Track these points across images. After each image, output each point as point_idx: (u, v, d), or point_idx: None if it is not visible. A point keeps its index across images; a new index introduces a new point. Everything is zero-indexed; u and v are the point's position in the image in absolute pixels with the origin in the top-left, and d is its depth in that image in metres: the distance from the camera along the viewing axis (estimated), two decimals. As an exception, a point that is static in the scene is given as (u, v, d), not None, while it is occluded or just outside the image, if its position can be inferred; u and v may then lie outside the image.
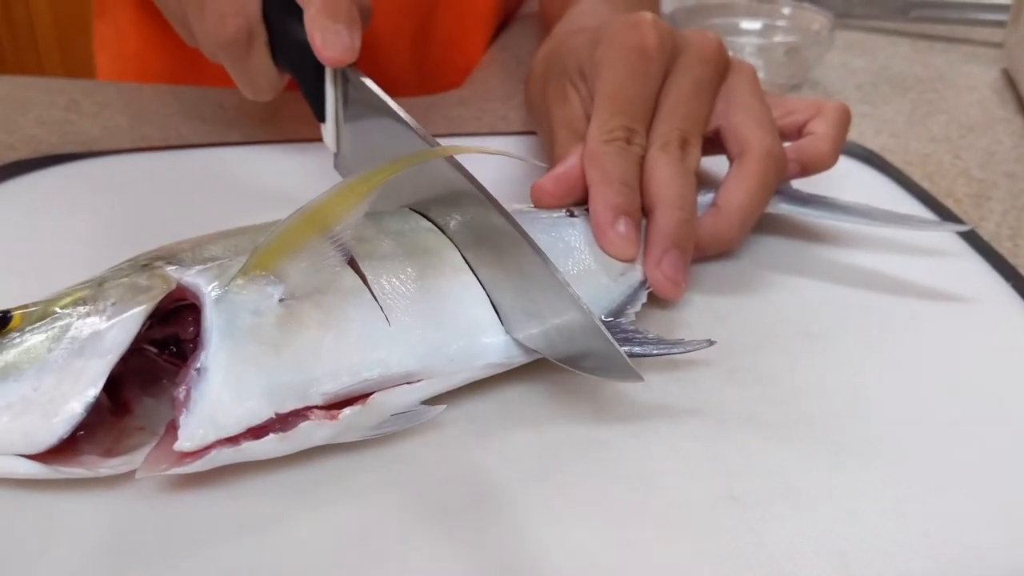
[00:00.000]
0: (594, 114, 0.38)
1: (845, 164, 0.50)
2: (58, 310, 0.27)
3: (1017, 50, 0.63)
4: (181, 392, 0.27)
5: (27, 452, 0.26)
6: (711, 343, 0.32)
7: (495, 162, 0.35)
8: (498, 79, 0.63)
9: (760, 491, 0.28)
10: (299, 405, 0.27)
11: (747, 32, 0.68)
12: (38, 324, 0.27)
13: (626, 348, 0.30)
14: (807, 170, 0.41)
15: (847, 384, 0.33)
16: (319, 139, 0.42)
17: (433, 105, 0.58)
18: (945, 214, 0.45)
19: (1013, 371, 0.34)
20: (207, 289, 0.28)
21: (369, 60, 0.69)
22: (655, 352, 0.31)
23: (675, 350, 0.32)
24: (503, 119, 0.57)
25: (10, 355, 0.27)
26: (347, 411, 0.28)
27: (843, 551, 0.26)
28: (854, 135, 0.56)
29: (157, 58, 0.69)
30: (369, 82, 0.38)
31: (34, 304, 0.28)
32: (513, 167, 0.45)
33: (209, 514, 0.27)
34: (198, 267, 0.29)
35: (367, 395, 0.28)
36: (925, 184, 0.49)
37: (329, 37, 0.38)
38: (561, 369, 0.31)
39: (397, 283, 0.30)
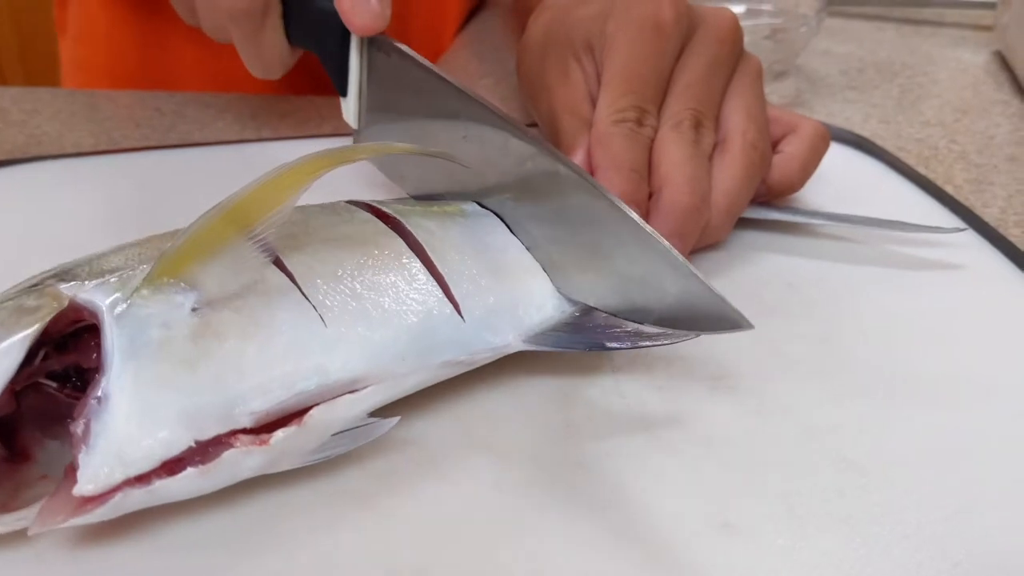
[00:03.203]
0: (603, 91, 0.36)
1: (836, 150, 0.46)
2: None
3: (1010, 31, 0.60)
4: (79, 426, 0.22)
5: None
6: (697, 334, 0.27)
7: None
8: (459, 75, 0.59)
9: (756, 517, 0.24)
10: (223, 429, 0.23)
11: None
12: None
13: (603, 341, 0.28)
14: (772, 191, 0.38)
15: (844, 392, 0.29)
16: (261, 139, 0.38)
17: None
18: (947, 200, 0.41)
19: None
20: (105, 304, 0.24)
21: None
22: (636, 345, 0.28)
23: (657, 342, 0.27)
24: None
25: None
26: (279, 433, 0.24)
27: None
28: (841, 121, 0.52)
29: (128, 41, 0.65)
30: (408, 49, 0.35)
31: None
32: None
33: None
34: (95, 281, 0.24)
35: (303, 411, 0.24)
36: (921, 169, 0.45)
37: (359, 4, 0.35)
38: (526, 380, 0.27)
39: (332, 279, 0.26)
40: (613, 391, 0.29)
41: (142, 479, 0.22)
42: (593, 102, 0.37)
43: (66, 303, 0.23)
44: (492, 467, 0.26)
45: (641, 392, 0.29)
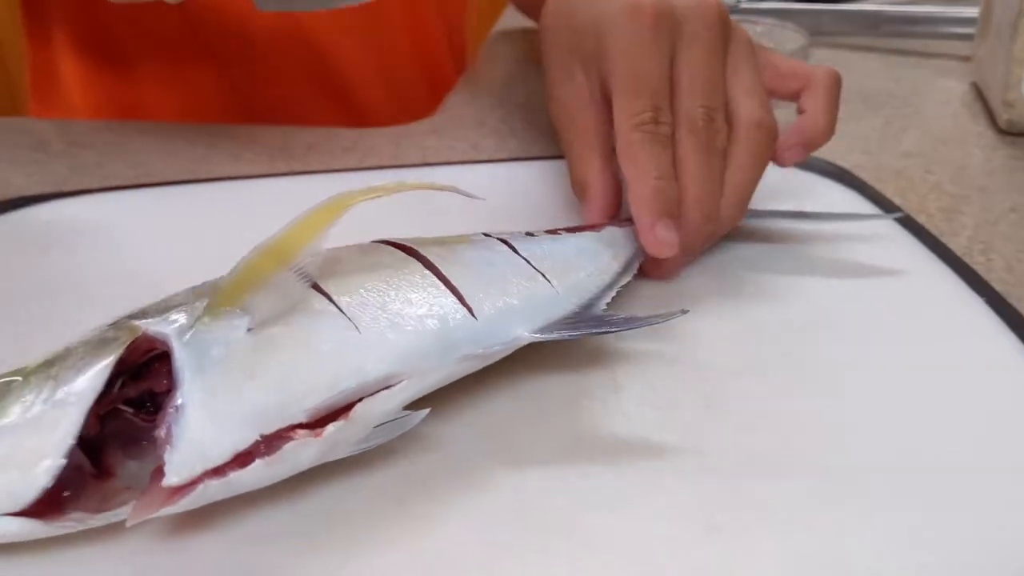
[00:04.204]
0: (616, 99, 0.39)
1: (816, 182, 0.50)
2: (22, 378, 0.27)
3: (985, 63, 0.64)
4: (162, 431, 0.26)
5: (12, 510, 0.25)
6: (684, 312, 0.33)
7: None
8: (470, 107, 0.63)
9: (743, 521, 0.28)
10: (283, 425, 0.27)
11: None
12: (6, 387, 0.27)
13: (601, 329, 0.33)
14: (809, 148, 0.43)
15: (827, 409, 0.33)
16: (289, 174, 0.42)
17: (406, 135, 0.58)
18: (916, 230, 0.45)
19: (990, 384, 0.34)
20: (173, 331, 0.28)
21: (339, 92, 0.70)
22: (629, 327, 0.33)
23: (648, 323, 0.33)
24: (474, 147, 0.57)
25: None
26: (331, 427, 0.28)
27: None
28: (825, 153, 0.55)
29: (95, 87, 0.69)
30: None
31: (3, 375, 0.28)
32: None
33: (208, 565, 0.27)
34: (162, 315, 0.28)
35: (349, 407, 0.28)
36: (898, 200, 0.49)
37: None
38: (534, 396, 0.31)
39: (361, 295, 0.30)
40: (616, 410, 0.33)
41: (219, 471, 0.26)
42: (595, 105, 0.41)
43: (139, 334, 0.27)
44: (510, 474, 0.30)
45: (643, 411, 0.32)
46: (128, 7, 0.63)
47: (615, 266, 0.38)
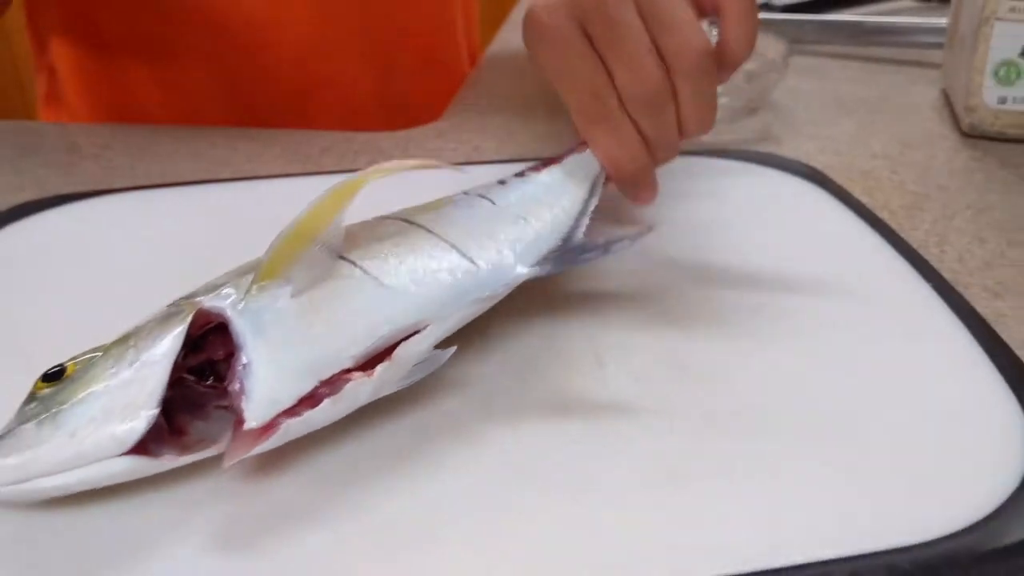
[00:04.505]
0: (563, 98, 0.44)
1: (789, 181, 0.54)
2: (103, 353, 0.32)
3: (951, 70, 0.68)
4: (235, 386, 0.31)
5: (117, 453, 0.30)
6: (650, 229, 0.39)
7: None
8: (472, 111, 0.68)
9: (703, 472, 0.32)
10: (336, 370, 0.32)
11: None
12: (90, 361, 0.32)
13: (587, 255, 0.39)
14: (731, 69, 0.46)
15: (790, 372, 0.37)
16: (305, 174, 0.46)
17: (413, 139, 0.63)
18: (879, 227, 0.49)
19: (934, 353, 0.38)
20: (227, 304, 0.32)
21: (335, 94, 0.73)
22: (608, 251, 0.38)
23: (624, 244, 0.38)
24: (476, 149, 0.61)
25: (81, 384, 0.31)
26: (379, 368, 0.33)
27: (777, 524, 0.30)
28: (800, 154, 0.60)
29: (100, 86, 0.73)
30: None
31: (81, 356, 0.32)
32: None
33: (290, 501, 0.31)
34: (213, 294, 0.33)
35: (390, 350, 0.33)
36: (864, 198, 0.53)
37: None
38: (529, 365, 0.35)
39: (382, 258, 0.36)
40: (599, 381, 0.37)
41: (293, 411, 0.31)
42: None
43: (198, 308, 0.32)
44: (505, 431, 0.34)
45: (620, 379, 0.37)
46: (121, 8, 0.67)
47: (582, 193, 0.43)
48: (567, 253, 0.40)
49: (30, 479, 0.29)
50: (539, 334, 0.40)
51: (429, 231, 0.38)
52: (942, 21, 0.75)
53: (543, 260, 0.39)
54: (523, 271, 0.38)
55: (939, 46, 0.77)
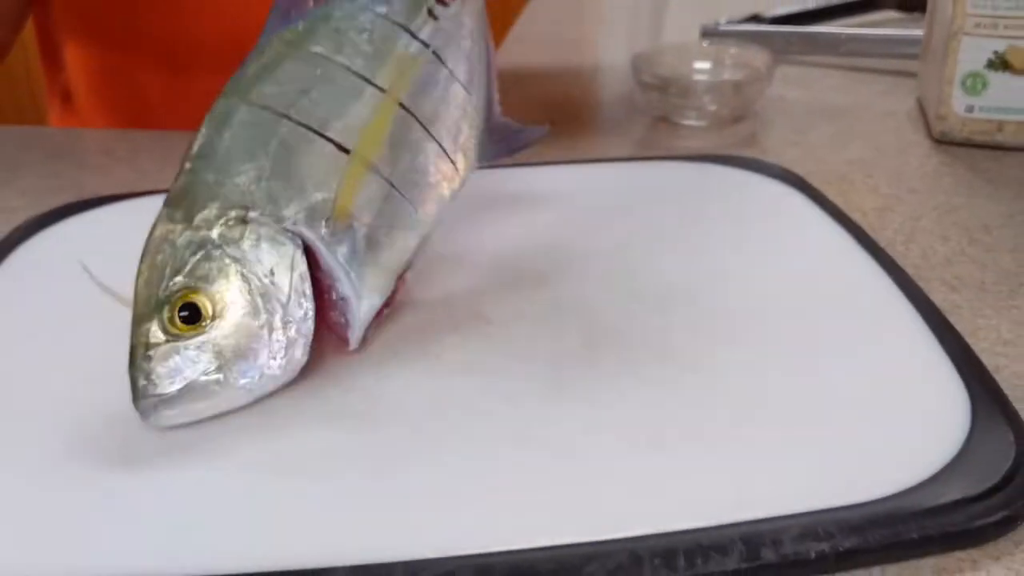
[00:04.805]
0: None
1: (768, 185, 0.59)
2: (226, 286, 0.36)
3: (924, 80, 0.73)
4: (340, 319, 0.39)
5: (280, 385, 0.38)
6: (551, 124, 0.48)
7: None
8: None
9: (678, 437, 0.37)
10: (404, 268, 0.42)
11: (699, 71, 0.78)
12: (226, 301, 0.36)
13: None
14: None
15: (757, 356, 0.42)
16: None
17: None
18: (850, 227, 0.53)
19: (887, 335, 0.43)
20: (314, 241, 0.38)
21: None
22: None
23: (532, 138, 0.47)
24: (481, 154, 0.66)
25: (232, 333, 0.36)
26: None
27: (742, 485, 0.35)
28: (781, 159, 0.65)
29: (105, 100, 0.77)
30: None
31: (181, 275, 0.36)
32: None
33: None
34: (290, 222, 0.37)
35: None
36: (839, 200, 0.58)
37: None
38: (526, 346, 0.40)
39: (403, 174, 0.41)
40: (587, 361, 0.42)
41: (379, 312, 0.40)
42: None
43: (302, 244, 0.38)
44: (504, 406, 0.39)
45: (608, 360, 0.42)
46: (134, 15, 0.71)
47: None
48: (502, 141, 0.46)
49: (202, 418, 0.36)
50: (533, 318, 0.44)
51: (426, 131, 0.42)
52: (920, 33, 0.80)
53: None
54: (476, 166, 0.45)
55: (916, 56, 0.81)
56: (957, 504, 0.34)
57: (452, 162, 0.43)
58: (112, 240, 0.52)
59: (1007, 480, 0.35)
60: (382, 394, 0.39)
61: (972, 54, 0.64)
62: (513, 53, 0.92)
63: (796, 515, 0.33)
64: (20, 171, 0.62)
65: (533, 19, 1.06)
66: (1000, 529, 0.33)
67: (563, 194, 0.57)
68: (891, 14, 0.95)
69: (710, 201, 0.56)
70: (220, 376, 0.35)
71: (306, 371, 0.39)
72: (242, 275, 0.36)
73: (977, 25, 0.64)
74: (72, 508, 0.34)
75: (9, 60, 0.71)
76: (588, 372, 0.41)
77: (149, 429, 0.36)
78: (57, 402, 0.39)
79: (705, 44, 0.82)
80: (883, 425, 0.38)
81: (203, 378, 0.35)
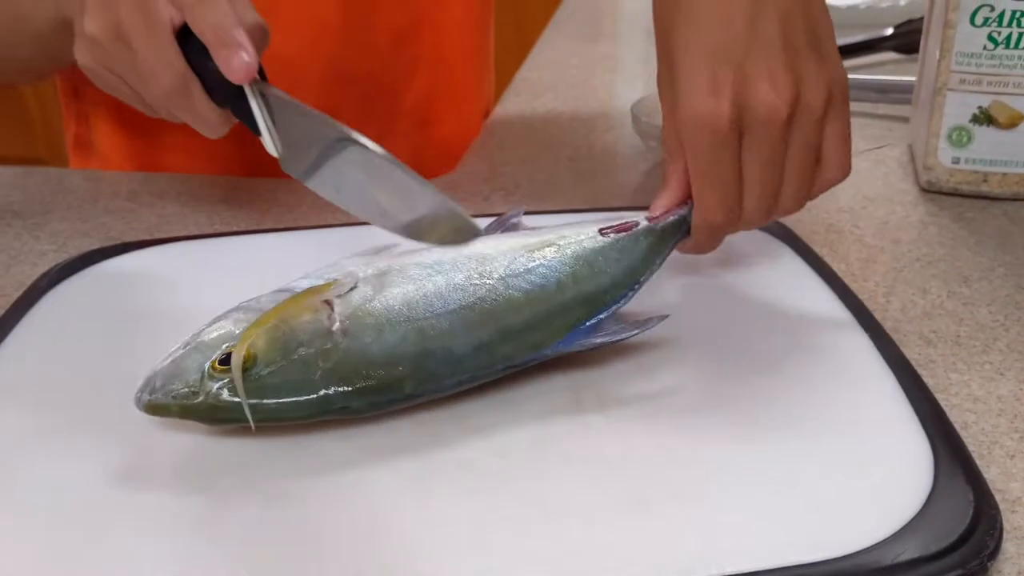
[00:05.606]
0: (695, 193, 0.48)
1: (756, 236, 0.61)
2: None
3: (914, 129, 0.75)
4: None
5: None
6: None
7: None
8: (484, 163, 0.76)
9: (661, 497, 0.40)
10: None
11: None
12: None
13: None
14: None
15: (732, 413, 0.45)
16: (337, 225, 0.54)
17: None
18: (832, 281, 0.56)
19: (861, 385, 0.46)
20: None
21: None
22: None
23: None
24: (486, 200, 0.69)
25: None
26: None
27: (714, 540, 0.38)
28: (772, 209, 0.67)
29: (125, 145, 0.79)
30: (277, 90, 0.47)
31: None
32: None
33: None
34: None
35: None
36: (824, 251, 0.61)
37: (232, 61, 0.45)
38: (517, 404, 0.43)
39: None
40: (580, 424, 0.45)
41: None
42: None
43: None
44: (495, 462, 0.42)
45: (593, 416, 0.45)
46: None
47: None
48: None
49: None
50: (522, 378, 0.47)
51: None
52: (913, 79, 0.82)
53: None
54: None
55: (910, 102, 0.84)
56: (914, 563, 0.36)
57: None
58: (133, 288, 0.55)
59: (962, 540, 0.37)
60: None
61: (957, 109, 0.67)
62: (516, 105, 0.95)
63: (761, 572, 0.36)
64: (50, 215, 0.66)
65: (550, 65, 1.09)
66: (955, 587, 0.36)
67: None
68: (890, 55, 0.98)
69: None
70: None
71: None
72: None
73: (962, 81, 0.66)
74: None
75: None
76: (574, 430, 0.44)
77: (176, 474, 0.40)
78: (83, 459, 0.42)
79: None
80: (848, 484, 0.41)
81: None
